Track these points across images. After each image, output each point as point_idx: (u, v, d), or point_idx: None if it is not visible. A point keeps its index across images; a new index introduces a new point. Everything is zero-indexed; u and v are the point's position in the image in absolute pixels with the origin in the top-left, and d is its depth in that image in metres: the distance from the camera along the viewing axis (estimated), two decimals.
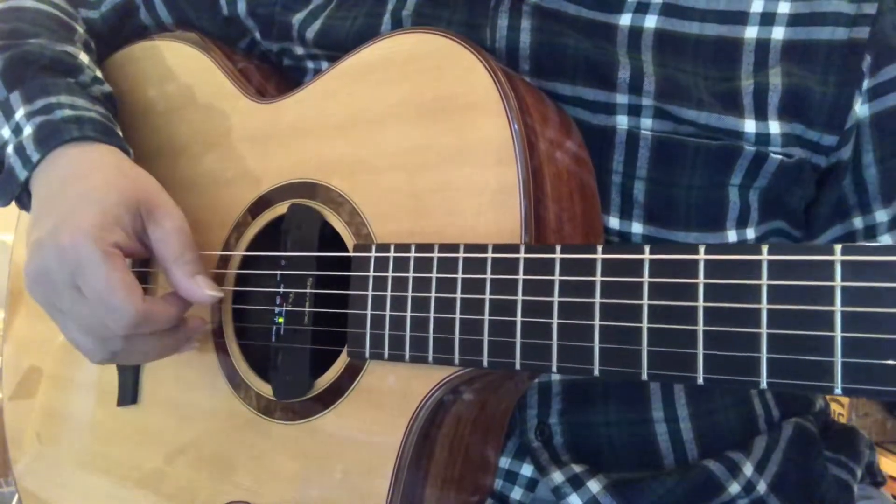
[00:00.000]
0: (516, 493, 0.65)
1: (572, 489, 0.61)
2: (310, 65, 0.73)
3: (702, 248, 0.41)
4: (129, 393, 0.72)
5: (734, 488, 0.62)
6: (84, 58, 0.72)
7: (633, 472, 0.62)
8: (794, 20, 0.59)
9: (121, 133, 0.67)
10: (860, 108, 0.59)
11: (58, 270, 0.55)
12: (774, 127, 0.58)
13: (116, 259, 0.55)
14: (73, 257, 0.54)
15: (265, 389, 0.63)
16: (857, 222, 0.62)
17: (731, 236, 0.61)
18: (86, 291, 0.55)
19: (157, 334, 0.59)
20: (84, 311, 0.55)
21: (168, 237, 0.59)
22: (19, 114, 0.65)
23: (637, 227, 0.61)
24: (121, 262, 0.55)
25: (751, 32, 0.59)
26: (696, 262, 0.41)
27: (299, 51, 0.72)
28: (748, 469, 0.62)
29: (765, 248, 0.39)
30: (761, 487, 0.63)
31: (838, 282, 0.37)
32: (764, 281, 0.39)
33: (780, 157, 0.58)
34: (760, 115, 0.58)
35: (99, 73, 0.73)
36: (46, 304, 0.58)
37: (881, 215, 0.61)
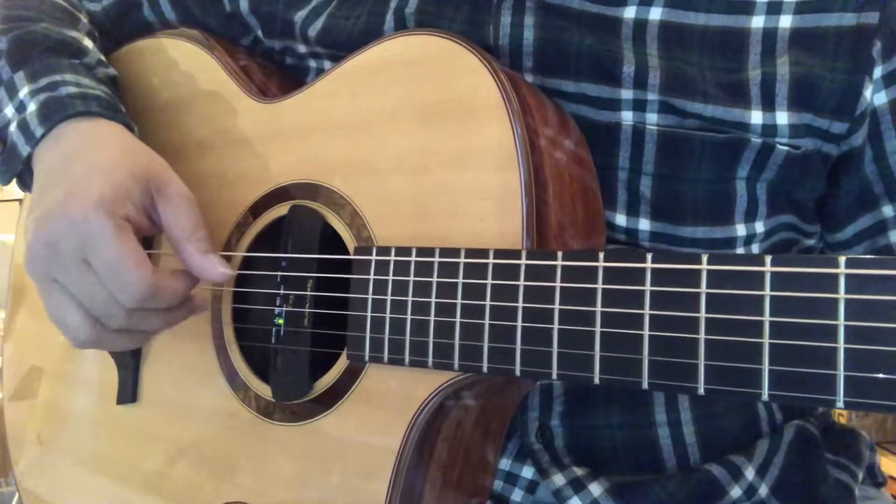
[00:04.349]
0: (517, 495, 0.64)
1: (573, 492, 0.61)
2: (312, 63, 0.72)
3: (704, 258, 0.40)
4: (128, 391, 0.72)
5: (735, 492, 0.62)
6: (88, 43, 0.72)
7: (635, 476, 0.62)
8: (802, 7, 0.58)
9: (125, 111, 0.67)
10: (876, 96, 0.57)
11: (66, 242, 0.54)
12: (782, 117, 0.57)
13: (127, 231, 0.54)
14: (83, 229, 0.53)
15: (265, 391, 0.63)
16: (888, 210, 0.60)
17: (740, 230, 0.61)
18: (95, 264, 0.54)
19: (159, 311, 0.58)
20: (90, 285, 0.54)
21: (180, 213, 0.58)
22: (23, 92, 0.64)
23: (644, 224, 0.60)
24: (132, 235, 0.55)
25: (757, 22, 0.58)
26: (698, 271, 0.40)
27: (301, 49, 0.72)
28: (749, 473, 0.62)
29: (768, 260, 0.38)
30: (763, 491, 0.62)
31: (842, 294, 0.36)
32: (767, 292, 0.38)
33: (786, 148, 0.57)
34: (768, 105, 0.57)
35: (103, 58, 0.73)
36: (45, 278, 0.56)
37: None
